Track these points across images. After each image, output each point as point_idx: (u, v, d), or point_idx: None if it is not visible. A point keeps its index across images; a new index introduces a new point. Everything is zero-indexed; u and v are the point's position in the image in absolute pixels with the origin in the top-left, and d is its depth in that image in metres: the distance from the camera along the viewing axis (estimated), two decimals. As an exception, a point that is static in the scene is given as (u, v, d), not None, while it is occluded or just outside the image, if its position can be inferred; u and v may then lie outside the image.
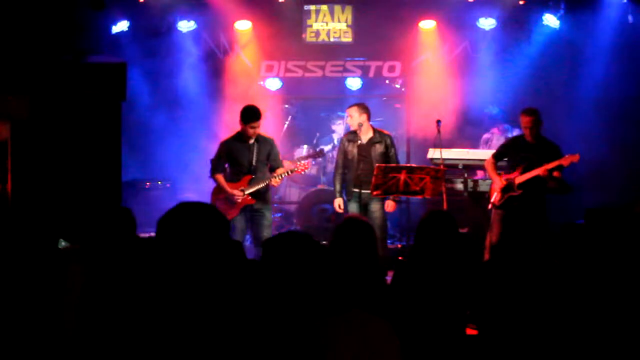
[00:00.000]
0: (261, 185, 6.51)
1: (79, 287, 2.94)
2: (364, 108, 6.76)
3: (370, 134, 6.78)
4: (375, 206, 6.70)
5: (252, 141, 6.52)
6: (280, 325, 2.27)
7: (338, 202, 6.84)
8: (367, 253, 3.38)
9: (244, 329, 2.16)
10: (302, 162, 7.02)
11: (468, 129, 8.89)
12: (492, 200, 6.80)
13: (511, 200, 6.61)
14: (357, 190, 6.68)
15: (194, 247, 2.08)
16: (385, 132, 6.95)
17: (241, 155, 6.55)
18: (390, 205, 6.74)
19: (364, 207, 6.72)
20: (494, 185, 6.85)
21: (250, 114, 6.44)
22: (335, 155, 8.85)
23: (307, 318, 2.29)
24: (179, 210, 2.16)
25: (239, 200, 6.49)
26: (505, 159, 6.96)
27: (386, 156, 6.74)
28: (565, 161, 6.43)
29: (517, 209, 6.60)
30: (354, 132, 6.80)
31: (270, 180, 6.51)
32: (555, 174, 6.55)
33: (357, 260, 3.33)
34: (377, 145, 6.74)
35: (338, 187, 6.88)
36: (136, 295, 1.86)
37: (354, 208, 6.73)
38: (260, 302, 2.32)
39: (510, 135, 7.97)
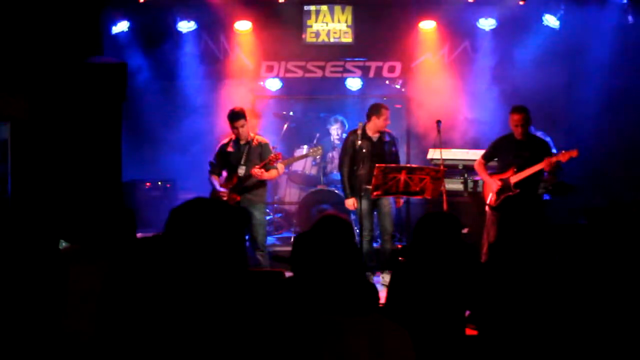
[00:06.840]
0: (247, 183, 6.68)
1: (80, 288, 2.95)
2: None
3: (378, 133, 6.91)
4: (385, 201, 6.85)
5: (243, 142, 6.77)
6: (292, 325, 2.23)
7: (352, 202, 6.86)
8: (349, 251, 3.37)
9: (255, 327, 2.12)
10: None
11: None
12: (487, 202, 6.74)
13: (508, 200, 6.57)
14: (369, 187, 6.57)
15: (206, 243, 2.03)
16: (387, 130, 7.05)
17: (232, 157, 6.81)
18: (399, 202, 7.04)
19: (373, 203, 6.82)
20: (487, 187, 6.78)
21: (231, 116, 6.71)
22: (334, 156, 8.89)
23: (321, 317, 2.25)
24: (194, 204, 2.11)
25: (225, 198, 6.67)
26: (495, 160, 6.88)
27: (395, 155, 7.01)
28: (563, 157, 6.32)
29: (514, 209, 6.52)
30: (362, 130, 6.86)
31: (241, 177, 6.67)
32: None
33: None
34: (387, 144, 6.94)
35: (348, 185, 6.89)
36: (146, 295, 1.83)
37: (365, 205, 6.76)
38: (275, 299, 2.28)
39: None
